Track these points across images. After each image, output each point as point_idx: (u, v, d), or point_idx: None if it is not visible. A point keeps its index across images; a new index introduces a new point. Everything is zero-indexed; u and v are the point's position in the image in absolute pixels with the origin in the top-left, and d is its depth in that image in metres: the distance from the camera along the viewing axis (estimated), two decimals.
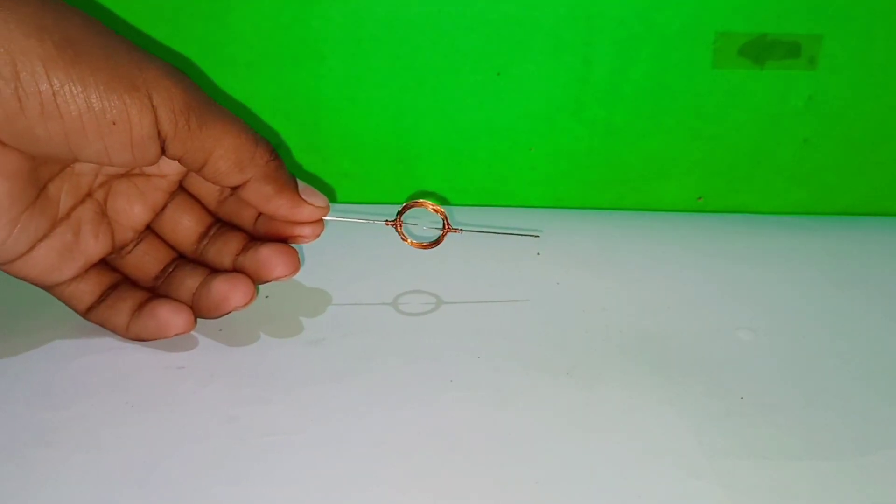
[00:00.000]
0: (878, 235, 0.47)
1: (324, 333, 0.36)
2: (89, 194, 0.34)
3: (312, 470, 0.28)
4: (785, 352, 0.36)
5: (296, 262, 0.35)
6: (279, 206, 0.34)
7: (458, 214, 0.48)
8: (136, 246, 0.36)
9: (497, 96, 0.47)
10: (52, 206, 0.32)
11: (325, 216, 0.35)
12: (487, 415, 0.31)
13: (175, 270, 0.36)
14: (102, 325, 0.35)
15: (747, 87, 0.47)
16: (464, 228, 0.37)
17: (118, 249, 0.35)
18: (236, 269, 0.35)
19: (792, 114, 0.47)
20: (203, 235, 0.37)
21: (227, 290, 0.34)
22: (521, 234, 0.38)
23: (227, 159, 0.31)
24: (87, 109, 0.28)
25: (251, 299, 0.34)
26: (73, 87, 0.27)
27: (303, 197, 0.34)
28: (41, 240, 0.32)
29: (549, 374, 0.34)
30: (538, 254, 0.43)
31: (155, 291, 0.35)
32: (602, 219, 0.48)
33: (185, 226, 0.36)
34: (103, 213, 0.34)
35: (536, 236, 0.38)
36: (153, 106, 0.29)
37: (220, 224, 0.37)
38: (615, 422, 0.31)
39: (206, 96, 0.31)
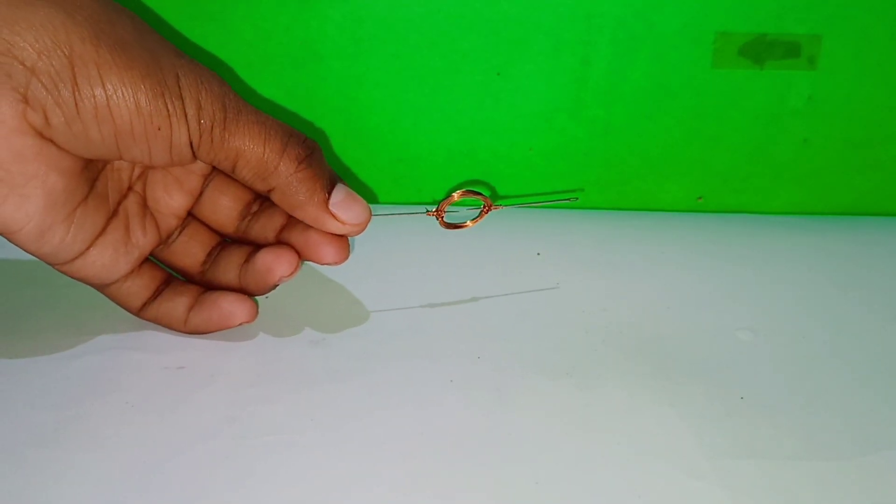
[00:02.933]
0: (878, 236, 0.47)
1: (324, 333, 0.36)
2: (130, 188, 0.34)
3: (313, 470, 0.28)
4: (785, 352, 0.36)
5: (345, 251, 0.34)
6: (303, 217, 0.33)
7: (458, 215, 0.48)
8: (180, 234, 0.36)
9: (496, 96, 0.47)
10: (104, 201, 0.32)
11: (357, 233, 0.34)
12: (487, 415, 0.31)
13: (221, 252, 0.36)
14: (157, 322, 0.35)
15: (747, 88, 0.47)
16: (503, 204, 0.37)
17: (165, 239, 0.35)
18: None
19: (791, 114, 0.47)
20: (244, 214, 0.36)
21: (272, 260, 0.33)
22: (561, 200, 0.38)
23: (248, 169, 0.32)
24: (137, 114, 0.29)
25: (296, 269, 0.34)
26: (125, 92, 0.28)
27: (333, 211, 0.33)
28: (97, 237, 0.32)
29: (549, 374, 0.34)
30: (538, 254, 0.43)
31: (204, 277, 0.36)
32: (602, 219, 0.48)
33: (224, 206, 0.36)
34: (145, 205, 0.34)
35: (576, 199, 0.38)
36: (186, 116, 0.30)
37: (260, 200, 0.37)
38: (615, 422, 0.31)
39: (237, 103, 0.31)
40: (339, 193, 0.33)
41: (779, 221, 0.48)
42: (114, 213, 0.33)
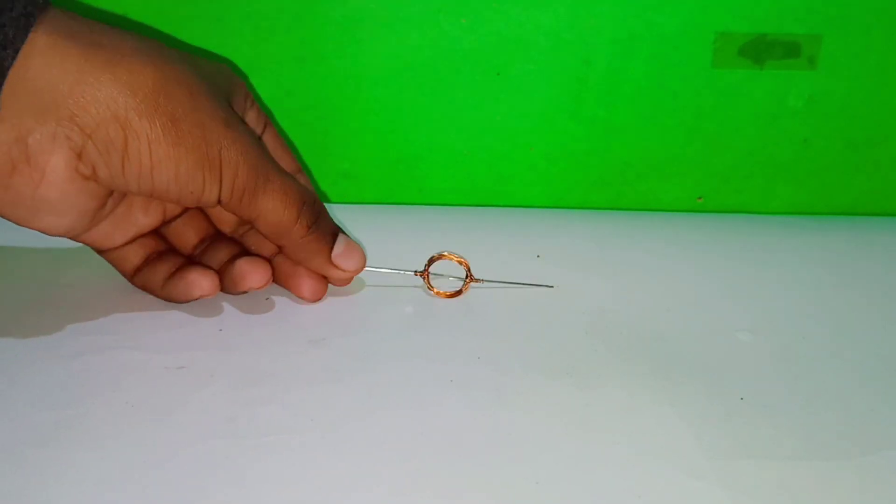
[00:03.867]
0: (878, 235, 0.47)
1: (324, 333, 0.36)
2: None
3: (312, 470, 0.28)
4: (785, 352, 0.36)
5: (322, 292, 0.38)
6: (308, 267, 0.37)
7: (458, 215, 0.48)
8: (179, 217, 0.38)
9: (497, 96, 0.47)
10: (118, 195, 0.35)
11: (353, 276, 0.38)
12: (487, 415, 0.31)
13: (212, 243, 0.39)
14: (144, 289, 0.38)
15: (747, 87, 0.47)
16: (483, 279, 0.40)
17: (168, 221, 0.38)
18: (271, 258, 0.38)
19: (791, 114, 0.47)
20: (244, 223, 0.39)
21: (248, 270, 0.36)
22: (537, 286, 0.40)
23: (265, 228, 0.35)
24: (175, 180, 0.32)
25: (267, 283, 0.36)
26: (168, 165, 0.32)
27: (335, 262, 0.37)
28: (103, 218, 0.35)
29: (548, 374, 0.34)
30: (538, 256, 0.43)
31: (191, 260, 0.38)
32: (601, 219, 0.48)
33: (229, 214, 0.39)
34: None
35: (550, 287, 0.40)
36: (221, 182, 0.33)
37: None
38: (615, 422, 0.31)
39: (268, 169, 0.34)
40: (340, 245, 0.37)
41: (778, 221, 0.48)
42: (122, 198, 0.36)
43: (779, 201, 0.50)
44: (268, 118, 0.39)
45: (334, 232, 0.37)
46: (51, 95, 0.30)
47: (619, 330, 0.37)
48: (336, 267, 0.37)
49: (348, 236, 0.37)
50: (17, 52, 0.30)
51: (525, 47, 0.46)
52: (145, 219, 0.37)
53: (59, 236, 0.34)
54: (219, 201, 0.34)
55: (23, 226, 0.33)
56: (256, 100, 0.39)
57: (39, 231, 0.33)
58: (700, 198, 0.50)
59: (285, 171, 0.36)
